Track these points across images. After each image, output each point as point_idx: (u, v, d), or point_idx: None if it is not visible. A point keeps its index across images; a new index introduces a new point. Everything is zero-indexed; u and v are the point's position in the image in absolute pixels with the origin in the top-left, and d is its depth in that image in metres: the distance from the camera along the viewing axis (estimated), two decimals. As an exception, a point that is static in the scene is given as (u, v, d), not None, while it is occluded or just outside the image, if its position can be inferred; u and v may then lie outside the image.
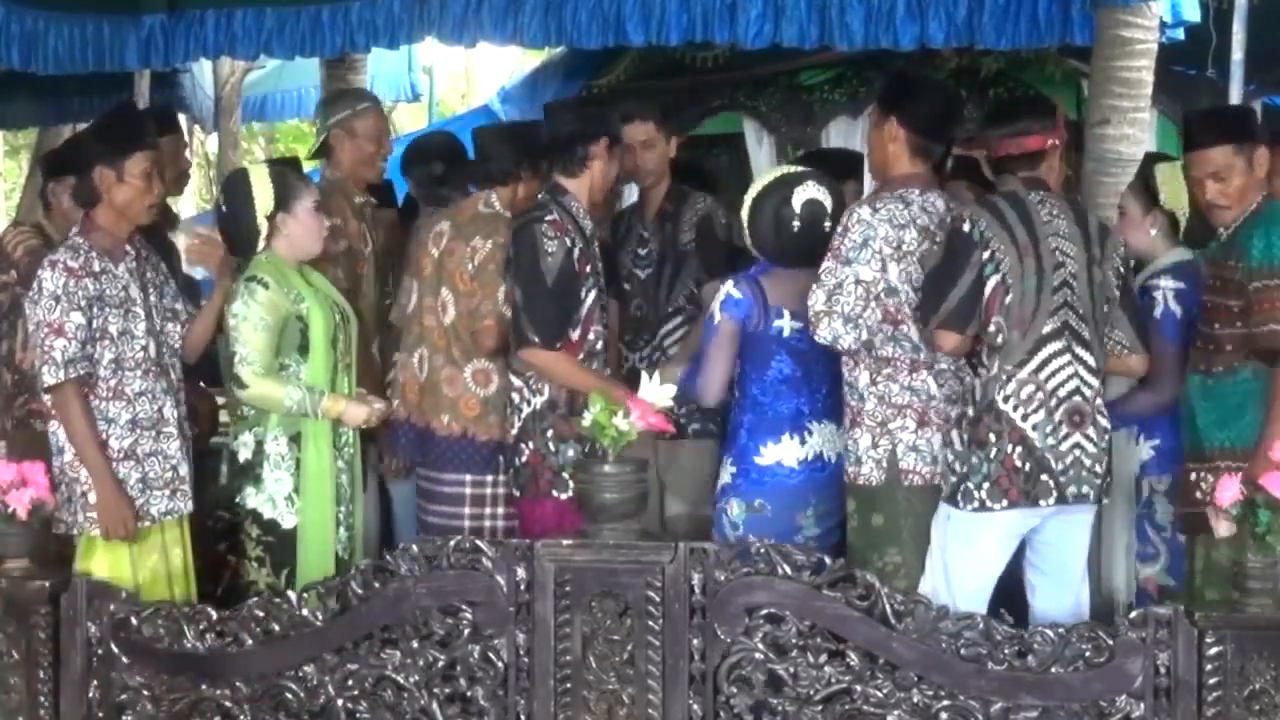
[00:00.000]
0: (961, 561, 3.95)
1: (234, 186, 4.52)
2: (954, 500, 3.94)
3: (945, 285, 3.89)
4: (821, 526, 4.31)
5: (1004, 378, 3.90)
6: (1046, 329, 3.91)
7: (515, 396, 4.50)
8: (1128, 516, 4.36)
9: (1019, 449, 3.88)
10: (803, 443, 4.27)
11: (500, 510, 4.62)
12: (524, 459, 4.47)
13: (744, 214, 4.36)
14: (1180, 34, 5.24)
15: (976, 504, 3.89)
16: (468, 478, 4.59)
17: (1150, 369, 4.19)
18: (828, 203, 4.29)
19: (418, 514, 4.75)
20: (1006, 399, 3.90)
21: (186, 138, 7.41)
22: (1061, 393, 3.92)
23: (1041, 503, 3.92)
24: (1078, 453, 3.92)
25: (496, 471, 4.59)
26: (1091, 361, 3.98)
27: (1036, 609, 4.07)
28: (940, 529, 4.00)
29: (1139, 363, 4.14)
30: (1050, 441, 3.90)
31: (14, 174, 16.95)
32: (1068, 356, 3.94)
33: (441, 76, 13.24)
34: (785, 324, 4.22)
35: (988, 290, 3.88)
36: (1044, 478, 3.90)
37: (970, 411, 3.96)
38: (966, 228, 3.90)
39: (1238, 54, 5.22)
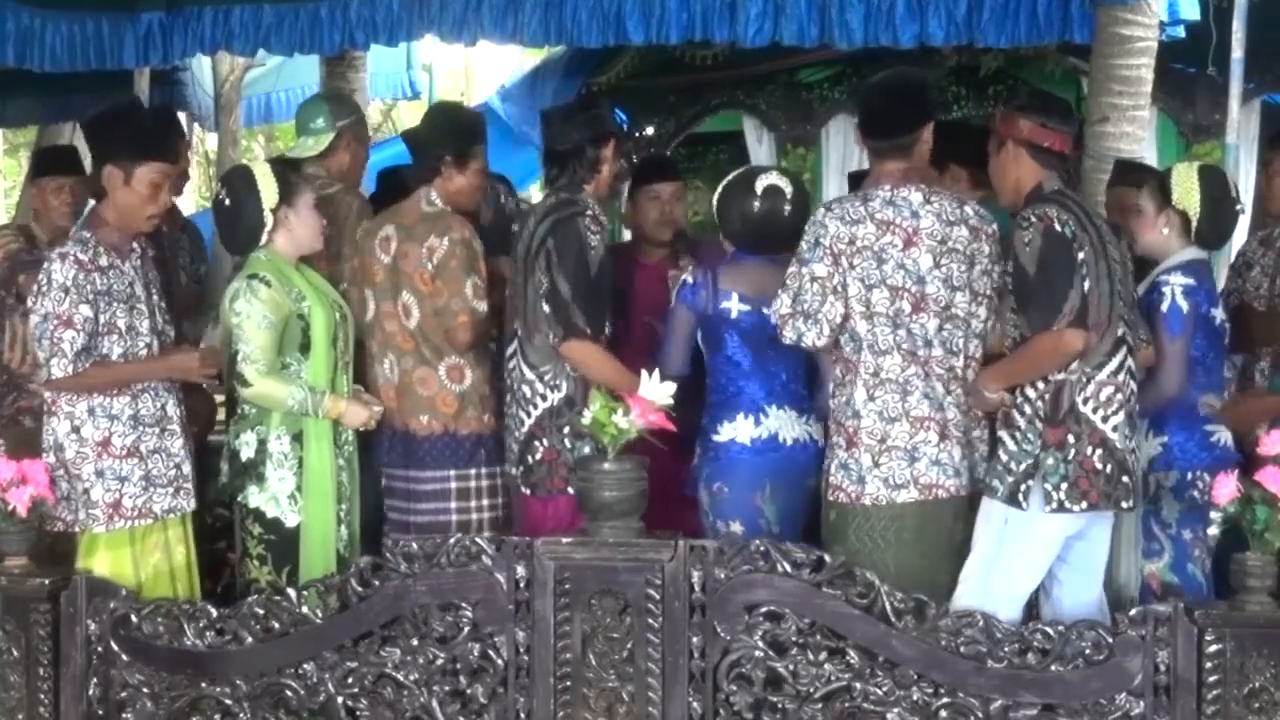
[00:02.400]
0: (1017, 563, 3.95)
1: (238, 180, 4.50)
2: (1015, 501, 3.92)
3: (1060, 285, 3.85)
4: (783, 524, 4.35)
5: (1084, 380, 3.90)
6: (1119, 332, 3.95)
7: (528, 391, 4.46)
8: (1136, 512, 4.37)
9: (1099, 451, 3.89)
10: (757, 423, 4.38)
11: (485, 503, 4.61)
12: (538, 456, 4.45)
13: (714, 203, 4.56)
14: (1180, 32, 5.25)
15: (1055, 505, 3.89)
16: (451, 472, 4.57)
17: (1156, 362, 4.23)
18: (788, 190, 4.44)
19: (394, 515, 4.70)
20: (1086, 401, 3.90)
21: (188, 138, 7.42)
22: (1128, 395, 3.96)
23: (1124, 505, 3.95)
24: (1138, 455, 3.99)
25: (479, 465, 4.58)
26: (1133, 367, 4.02)
27: (1063, 603, 4.08)
28: (994, 532, 3.97)
29: (1151, 355, 4.21)
30: (1130, 444, 3.94)
31: (14, 172, 16.93)
32: (1129, 361, 3.98)
33: (441, 75, 13.20)
34: (733, 305, 4.39)
35: (1085, 289, 3.88)
36: (1125, 480, 3.93)
37: (1020, 413, 3.95)
38: (1058, 227, 3.88)
39: (1237, 52, 5.23)
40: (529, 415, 4.46)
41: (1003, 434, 4.00)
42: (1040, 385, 3.93)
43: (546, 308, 4.40)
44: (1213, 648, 3.56)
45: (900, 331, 3.99)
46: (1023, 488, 3.92)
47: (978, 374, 4.07)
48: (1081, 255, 3.88)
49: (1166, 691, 3.60)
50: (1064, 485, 3.88)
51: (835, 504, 4.08)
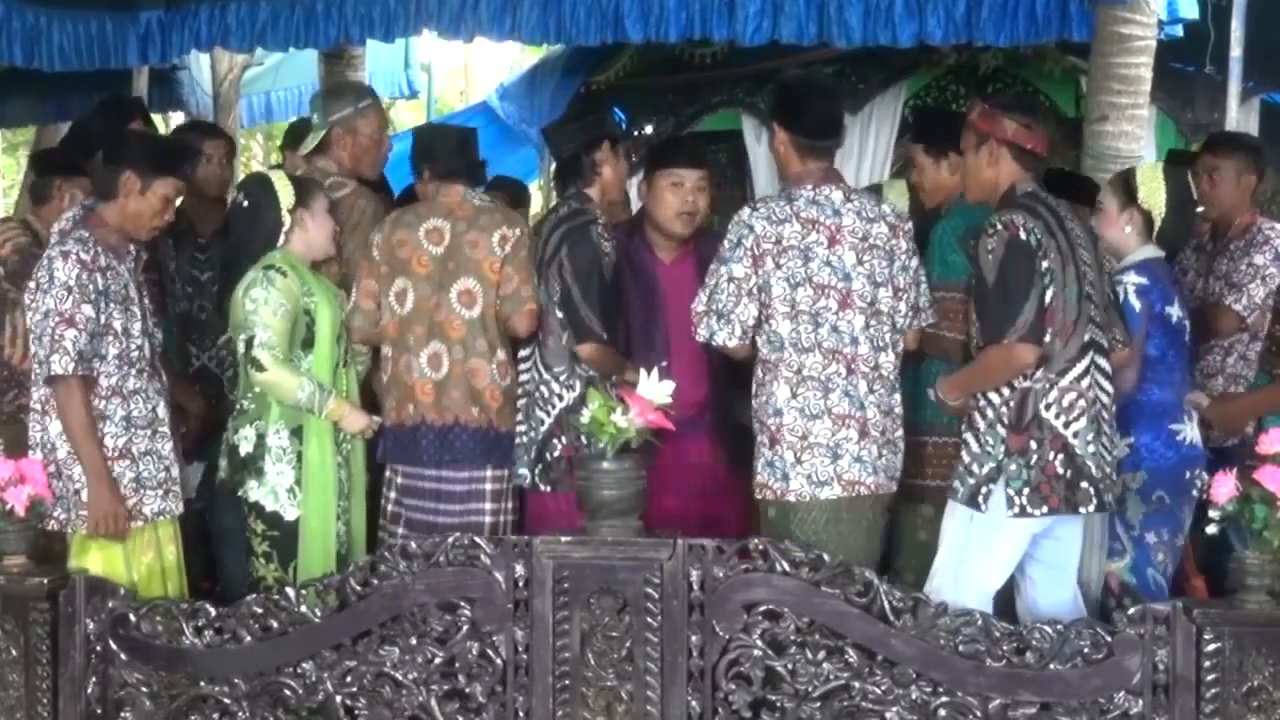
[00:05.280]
0: (981, 563, 3.96)
1: (257, 186, 4.56)
2: (975, 503, 3.94)
3: (1016, 298, 3.86)
4: None
5: (1047, 386, 3.91)
6: (1085, 338, 3.95)
7: (545, 391, 4.52)
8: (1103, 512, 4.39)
9: (1060, 456, 3.90)
10: None
11: (511, 505, 4.62)
12: (557, 453, 4.50)
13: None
14: (1179, 30, 5.26)
15: (1016, 509, 3.89)
16: (489, 473, 4.55)
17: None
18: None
19: (417, 516, 4.60)
20: (1049, 406, 3.90)
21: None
22: (1092, 400, 3.95)
23: (1082, 509, 3.95)
24: (1105, 459, 3.98)
25: (510, 465, 4.58)
26: (1108, 368, 4.02)
27: (1038, 602, 4.09)
28: (959, 531, 4.00)
29: (1129, 356, 4.20)
30: (1091, 449, 3.93)
31: (12, 171, 16.94)
32: (1095, 365, 3.98)
33: (440, 73, 13.23)
34: None
35: (1047, 299, 3.89)
36: (1084, 485, 3.92)
37: (982, 416, 3.96)
38: (1024, 236, 3.88)
39: (1236, 50, 5.24)
40: (549, 415, 4.52)
41: (967, 436, 4.02)
42: (1005, 391, 3.94)
43: (560, 314, 4.50)
44: (1211, 646, 3.56)
45: (823, 329, 4.03)
46: (983, 490, 3.93)
47: (938, 383, 4.12)
48: (1046, 264, 3.89)
49: (1165, 690, 3.61)
50: (1026, 490, 3.90)
51: (767, 502, 4.12)
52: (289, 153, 5.35)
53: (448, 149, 4.74)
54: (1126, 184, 4.43)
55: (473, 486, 4.55)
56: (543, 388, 4.54)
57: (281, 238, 4.48)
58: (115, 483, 4.13)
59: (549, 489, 4.53)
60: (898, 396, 4.17)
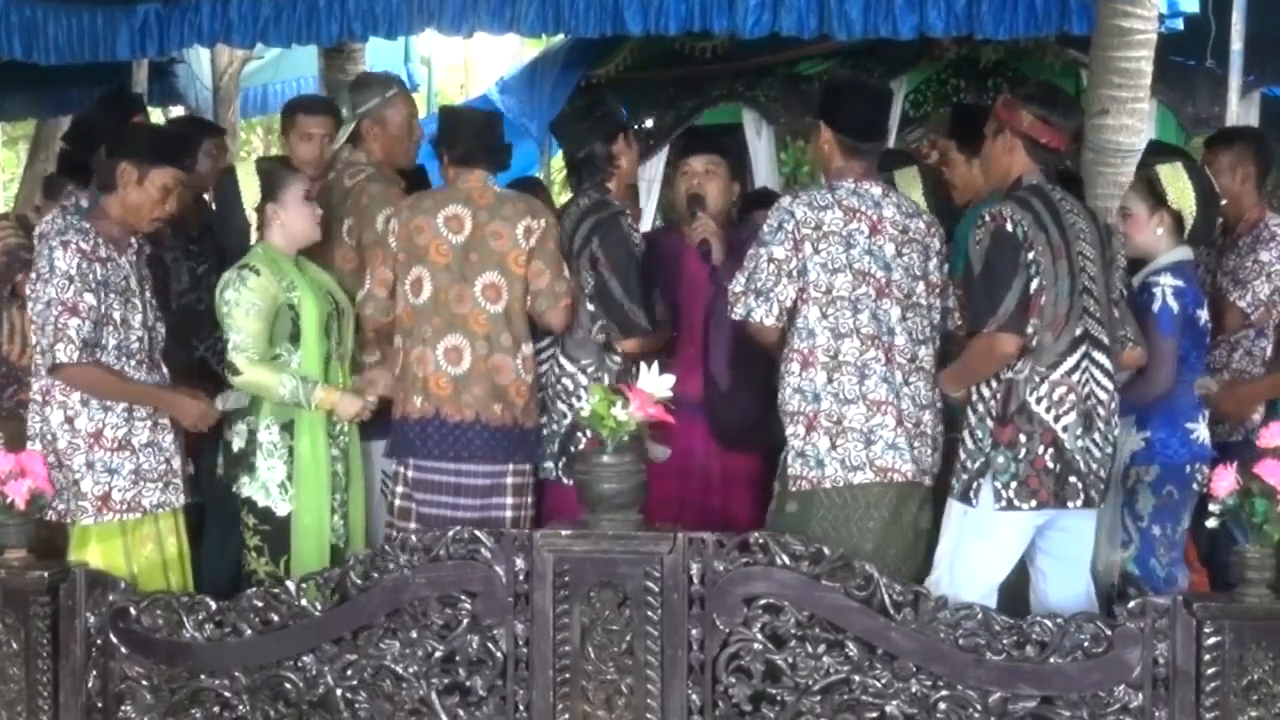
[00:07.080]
0: (977, 557, 3.97)
1: (221, 185, 4.57)
2: (967, 498, 3.95)
3: (998, 287, 3.88)
4: None
5: (1036, 379, 3.91)
6: (1077, 331, 3.94)
7: (570, 384, 4.52)
8: (1115, 503, 4.39)
9: (1050, 450, 3.90)
10: None
11: (530, 499, 4.55)
12: (580, 445, 4.45)
13: None
14: (1179, 24, 5.25)
15: (1004, 503, 3.90)
16: (510, 467, 4.47)
17: (1148, 361, 4.23)
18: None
19: (427, 510, 4.49)
20: (1039, 400, 3.91)
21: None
22: (1085, 395, 3.95)
23: (1070, 504, 3.95)
24: (1094, 455, 3.97)
25: (533, 460, 4.54)
26: (1108, 365, 4.01)
27: (1049, 595, 4.09)
28: (954, 525, 4.01)
29: (1141, 356, 4.20)
30: (1080, 444, 3.93)
31: (12, 164, 16.94)
32: (1089, 360, 3.97)
33: (440, 67, 13.21)
34: None
35: (1031, 290, 3.89)
36: (1073, 479, 3.93)
37: (973, 410, 3.97)
38: (1010, 227, 3.89)
39: (1237, 44, 5.24)
40: (570, 408, 4.50)
41: (963, 433, 4.04)
42: (993, 384, 3.96)
43: (591, 306, 4.49)
44: (1211, 640, 3.57)
45: (862, 315, 4.04)
46: (974, 485, 3.95)
47: (940, 377, 4.14)
48: (1031, 255, 3.89)
49: (1165, 684, 3.61)
50: (1013, 484, 3.90)
51: (796, 494, 4.09)
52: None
53: (467, 133, 4.60)
54: (1152, 187, 4.39)
55: (495, 481, 4.46)
56: (566, 380, 4.52)
57: (255, 233, 4.47)
58: (177, 390, 4.32)
59: (571, 482, 4.42)
60: (938, 391, 4.15)
